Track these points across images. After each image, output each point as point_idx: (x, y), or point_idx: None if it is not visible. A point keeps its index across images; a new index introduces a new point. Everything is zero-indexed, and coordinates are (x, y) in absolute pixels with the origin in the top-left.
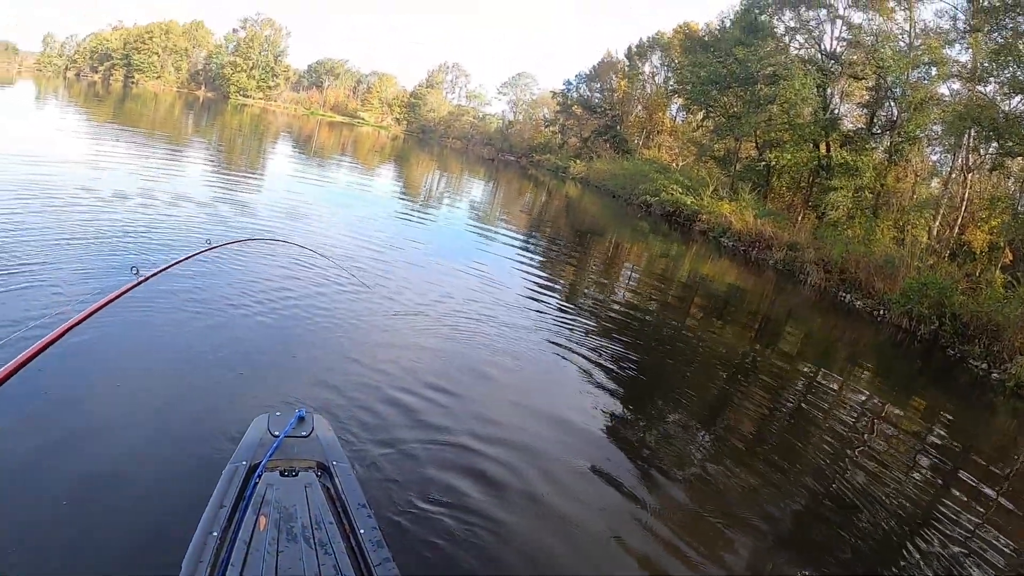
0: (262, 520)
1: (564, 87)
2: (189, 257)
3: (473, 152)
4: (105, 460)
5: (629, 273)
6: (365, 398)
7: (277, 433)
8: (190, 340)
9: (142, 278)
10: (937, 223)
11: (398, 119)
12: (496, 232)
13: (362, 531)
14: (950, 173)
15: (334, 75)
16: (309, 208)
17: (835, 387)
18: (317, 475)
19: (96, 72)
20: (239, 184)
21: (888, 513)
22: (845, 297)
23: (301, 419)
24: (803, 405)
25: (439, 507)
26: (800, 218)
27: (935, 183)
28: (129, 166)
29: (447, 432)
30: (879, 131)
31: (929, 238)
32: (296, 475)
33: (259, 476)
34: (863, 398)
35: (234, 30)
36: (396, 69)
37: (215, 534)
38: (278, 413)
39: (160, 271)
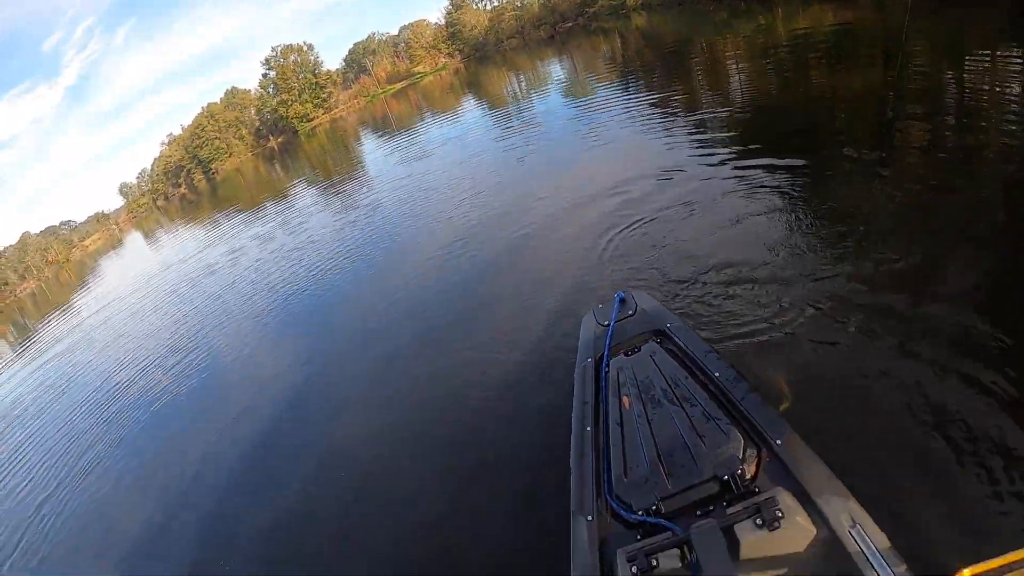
0: (625, 400)
1: None
2: None
3: (532, 40)
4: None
5: (735, 69)
6: (645, 263)
7: (606, 322)
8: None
9: None
10: None
11: (450, 54)
12: (595, 99)
13: (716, 374)
14: None
15: (371, 52)
16: (432, 174)
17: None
18: (657, 342)
19: (178, 187)
20: (354, 191)
21: None
22: None
23: (622, 300)
24: (966, 121)
25: (774, 330)
26: None
27: None
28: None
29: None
30: None
31: None
32: (639, 350)
33: (607, 365)
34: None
35: (264, 75)
36: (422, 11)
37: (588, 429)
38: (600, 305)
39: None
